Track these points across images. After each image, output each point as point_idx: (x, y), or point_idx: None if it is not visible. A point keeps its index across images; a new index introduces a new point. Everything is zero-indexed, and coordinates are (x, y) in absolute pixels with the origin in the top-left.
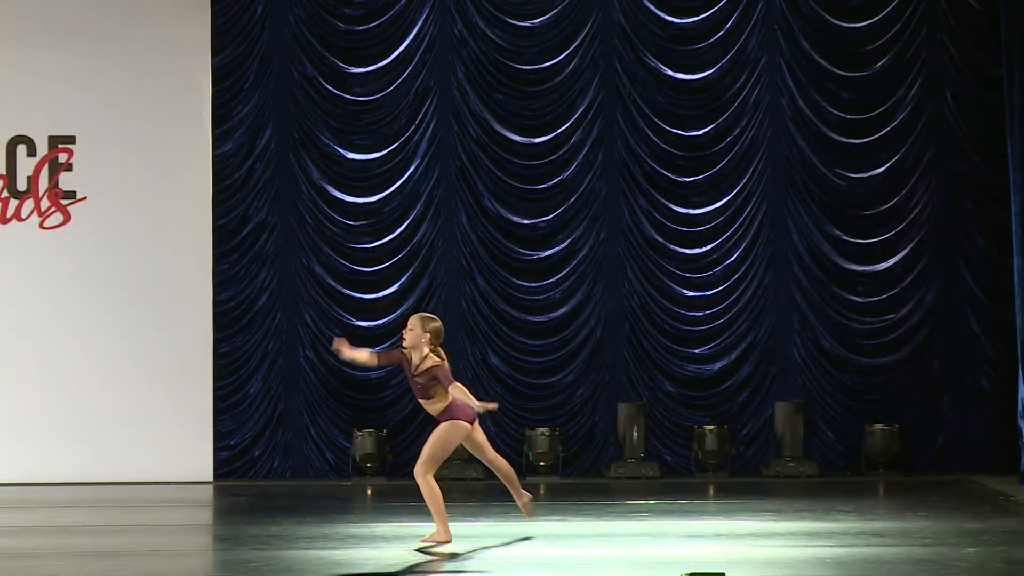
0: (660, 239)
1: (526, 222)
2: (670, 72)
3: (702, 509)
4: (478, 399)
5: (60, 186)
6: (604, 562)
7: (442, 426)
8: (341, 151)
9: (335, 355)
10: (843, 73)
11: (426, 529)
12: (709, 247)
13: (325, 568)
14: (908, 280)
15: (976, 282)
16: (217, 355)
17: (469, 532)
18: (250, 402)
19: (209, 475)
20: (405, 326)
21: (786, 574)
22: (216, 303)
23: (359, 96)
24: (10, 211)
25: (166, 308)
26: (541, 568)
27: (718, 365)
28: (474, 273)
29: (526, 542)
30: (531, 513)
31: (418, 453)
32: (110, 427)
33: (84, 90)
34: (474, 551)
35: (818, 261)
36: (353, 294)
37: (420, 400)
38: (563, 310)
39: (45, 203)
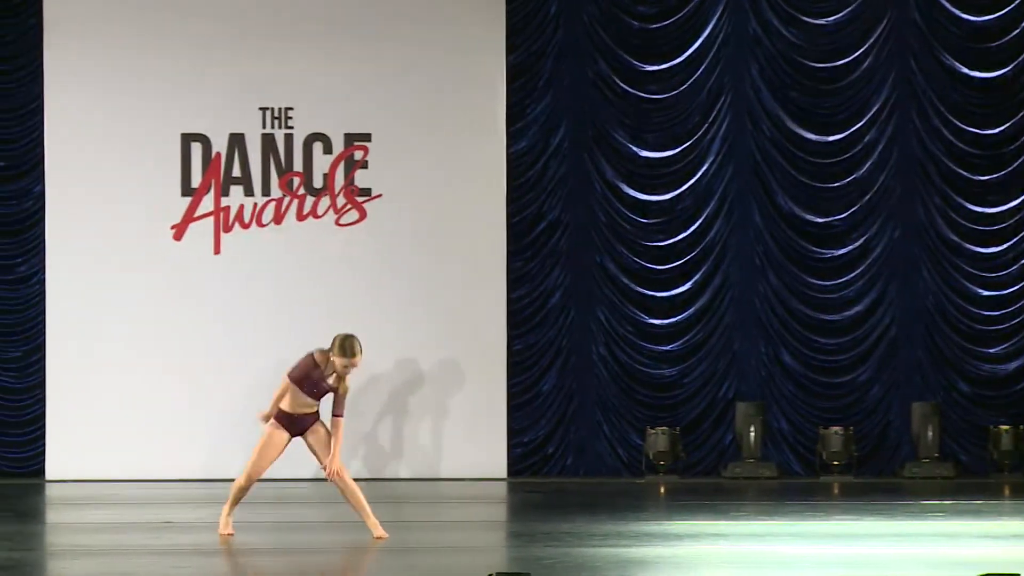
0: (955, 238)
1: (820, 220)
2: (966, 70)
3: (998, 509)
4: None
5: (356, 183)
6: (898, 562)
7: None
8: (634, 148)
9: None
10: None
11: (718, 527)
12: (1005, 246)
13: (618, 565)
14: None
15: None
16: (511, 352)
17: (762, 531)
18: (543, 399)
19: (503, 472)
20: None
21: None
22: (510, 300)
23: (652, 94)
24: (307, 208)
25: (461, 305)
26: (834, 567)
27: (1013, 365)
28: (767, 271)
29: (820, 541)
30: None
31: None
32: (410, 424)
33: (380, 89)
34: (768, 548)
35: None
36: (646, 292)
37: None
38: (857, 308)
39: (341, 200)
